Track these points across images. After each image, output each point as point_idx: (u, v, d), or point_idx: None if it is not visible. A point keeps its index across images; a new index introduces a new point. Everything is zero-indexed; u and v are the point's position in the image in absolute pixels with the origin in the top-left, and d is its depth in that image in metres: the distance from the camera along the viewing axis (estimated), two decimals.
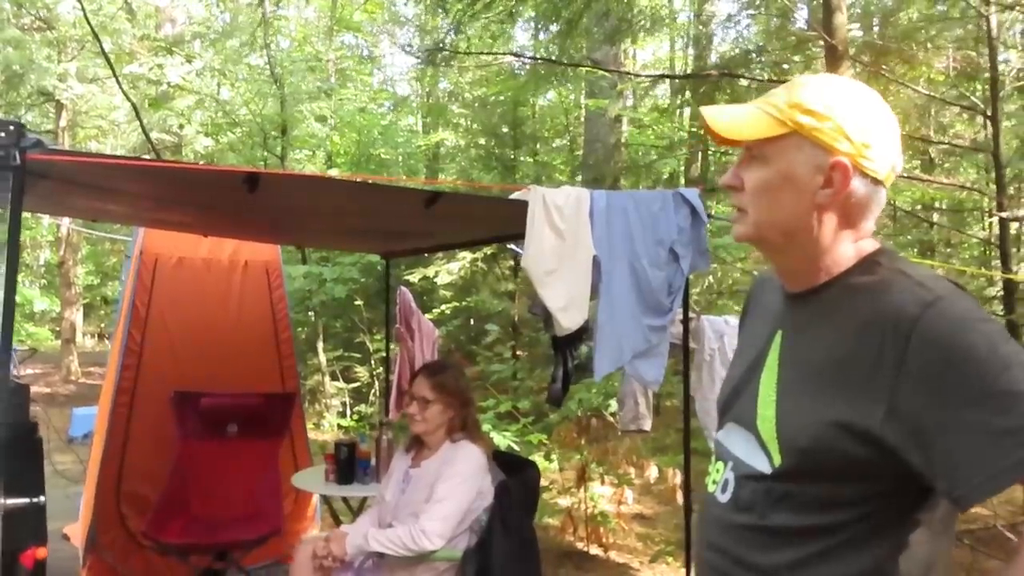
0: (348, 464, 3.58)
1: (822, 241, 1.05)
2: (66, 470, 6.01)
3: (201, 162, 9.97)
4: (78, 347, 14.30)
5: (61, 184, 2.21)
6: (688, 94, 10.24)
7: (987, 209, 6.96)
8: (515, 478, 2.79)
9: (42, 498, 2.00)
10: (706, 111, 1.08)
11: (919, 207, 6.51)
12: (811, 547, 1.00)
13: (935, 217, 7.51)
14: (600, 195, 2.65)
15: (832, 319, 1.04)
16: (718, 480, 1.15)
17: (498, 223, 3.29)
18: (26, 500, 1.86)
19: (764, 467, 1.05)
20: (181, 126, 9.04)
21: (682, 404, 6.65)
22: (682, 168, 10.85)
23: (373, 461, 3.66)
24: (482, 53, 7.97)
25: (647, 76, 8.20)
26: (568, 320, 2.55)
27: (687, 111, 10.38)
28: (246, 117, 10.22)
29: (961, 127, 8.19)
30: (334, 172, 10.11)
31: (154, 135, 9.44)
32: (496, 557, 2.60)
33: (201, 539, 3.75)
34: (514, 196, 2.60)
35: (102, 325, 22.47)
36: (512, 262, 9.60)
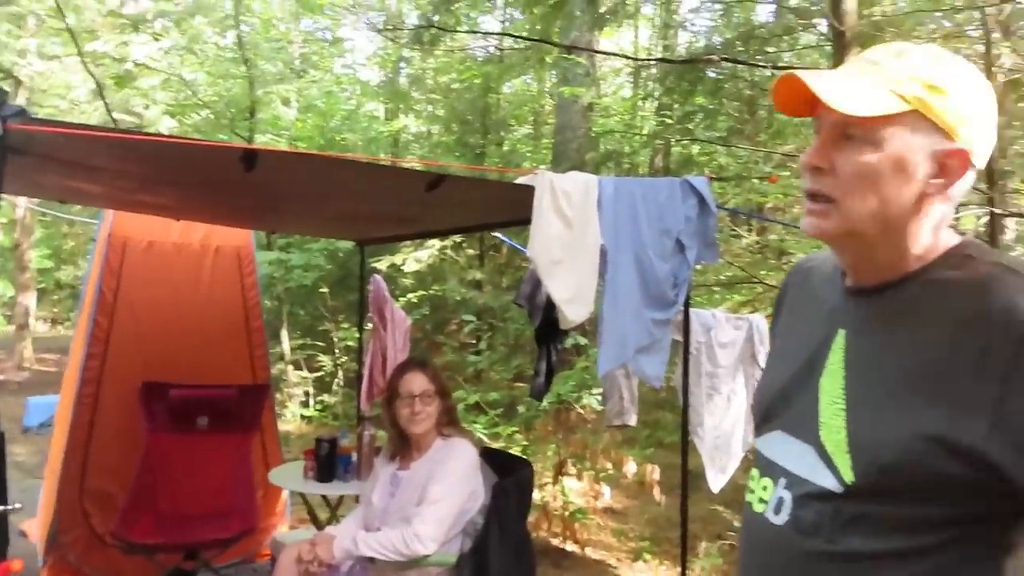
0: (328, 461, 3.44)
1: (919, 235, 0.94)
2: (22, 462, 5.75)
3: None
4: (31, 332, 13.75)
5: (38, 160, 2.03)
6: (651, 84, 10.28)
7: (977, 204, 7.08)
8: (511, 479, 2.70)
9: (17, 504, 1.83)
10: (805, 76, 0.92)
11: None
12: (891, 574, 0.90)
13: None
14: (608, 182, 2.56)
15: (918, 318, 0.93)
16: (767, 499, 1.02)
17: (491, 209, 3.18)
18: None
19: (832, 484, 0.93)
20: (147, 106, 8.68)
21: (650, 396, 6.66)
22: (646, 159, 10.88)
23: (354, 457, 3.52)
24: (472, 32, 7.78)
25: (642, 61, 8.08)
26: (574, 313, 2.45)
27: (654, 102, 10.40)
28: (211, 98, 9.88)
29: None
30: None
31: (116, 116, 9.05)
32: (492, 562, 2.50)
33: (171, 538, 3.58)
34: (520, 180, 2.48)
35: (55, 310, 21.67)
36: (478, 251, 9.50)
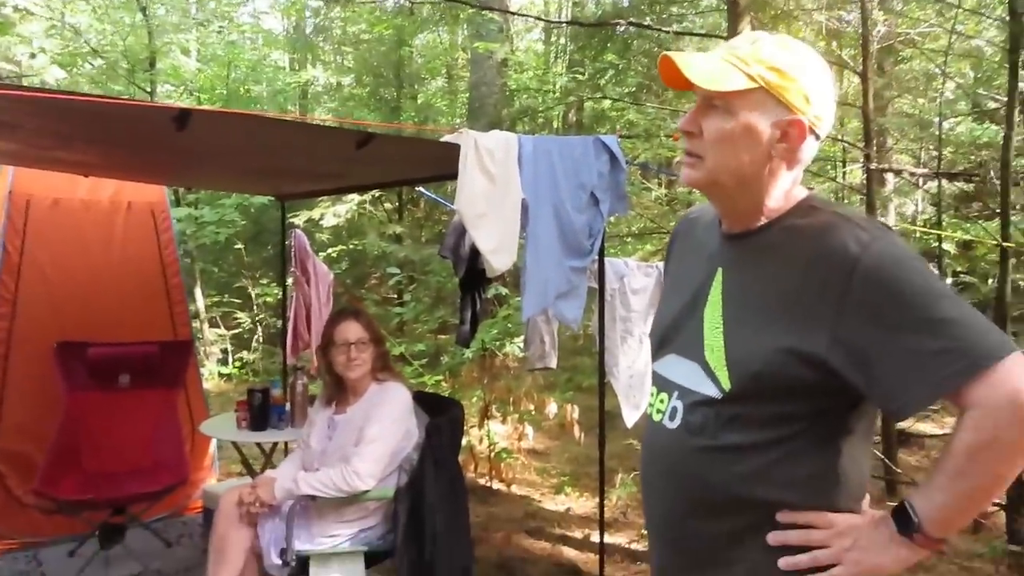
0: (262, 410, 3.52)
1: (769, 188, 1.16)
2: None
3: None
4: None
5: None
6: (563, 40, 10.38)
7: (842, 159, 7.58)
8: (443, 417, 2.86)
9: None
10: (676, 57, 1.13)
11: None
12: (759, 460, 1.11)
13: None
14: (527, 140, 2.69)
15: (775, 257, 1.15)
16: (663, 409, 1.23)
17: (415, 165, 3.27)
18: None
19: (714, 392, 1.14)
20: (33, 55, 8.13)
21: (569, 343, 6.93)
22: (560, 115, 11.02)
23: (288, 407, 3.60)
24: None
25: (553, 23, 8.15)
26: (499, 262, 2.60)
27: (564, 59, 10.50)
28: (104, 47, 9.34)
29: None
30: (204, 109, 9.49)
31: None
32: (428, 494, 2.67)
33: (97, 494, 3.57)
34: (446, 139, 2.59)
35: None
36: (396, 204, 9.48)
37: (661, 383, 1.26)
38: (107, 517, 3.58)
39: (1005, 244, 3.81)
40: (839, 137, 6.08)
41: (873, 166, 4.67)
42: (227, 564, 2.68)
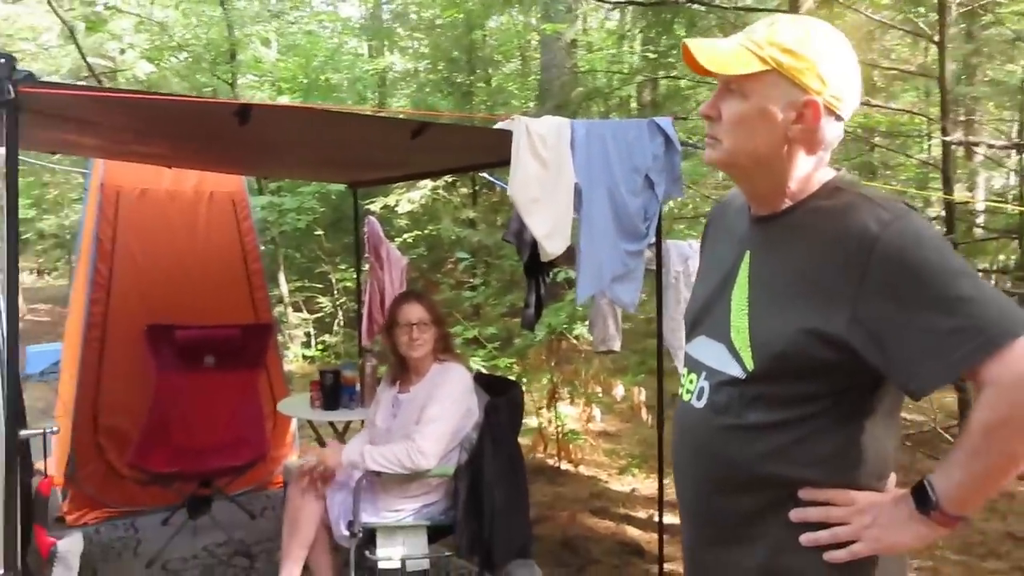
0: (333, 391, 3.68)
1: (789, 170, 1.17)
2: (28, 408, 5.94)
3: (193, 93, 9.56)
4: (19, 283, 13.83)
5: (40, 118, 2.17)
6: (630, 19, 10.20)
7: (927, 132, 7.22)
8: (502, 397, 2.93)
9: (54, 428, 2.05)
10: (691, 43, 1.15)
11: (860, 130, 6.71)
12: (782, 438, 1.13)
13: (877, 140, 7.74)
14: (580, 124, 2.71)
15: (799, 238, 1.16)
16: (692, 389, 1.26)
17: (475, 152, 3.33)
18: (39, 430, 1.91)
19: (738, 372, 1.17)
20: (122, 51, 8.60)
21: (642, 326, 6.91)
22: (634, 94, 10.86)
23: (358, 387, 3.76)
24: None
25: (616, 1, 8.07)
26: (552, 246, 2.64)
27: (638, 36, 10.32)
28: (189, 41, 9.76)
29: (904, 51, 8.36)
30: (284, 99, 9.83)
31: (91, 60, 8.97)
32: (487, 472, 2.76)
33: (186, 467, 3.82)
34: (498, 126, 2.64)
35: (40, 260, 21.60)
36: (470, 189, 9.60)
37: (691, 364, 1.29)
38: (195, 489, 3.82)
39: None
40: (906, 109, 5.79)
41: (949, 139, 4.44)
42: (300, 534, 2.84)
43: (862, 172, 7.53)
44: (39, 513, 2.15)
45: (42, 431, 1.95)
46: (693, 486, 1.27)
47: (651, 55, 8.92)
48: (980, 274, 1.07)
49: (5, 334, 1.97)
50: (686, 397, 1.28)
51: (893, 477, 1.20)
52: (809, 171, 1.18)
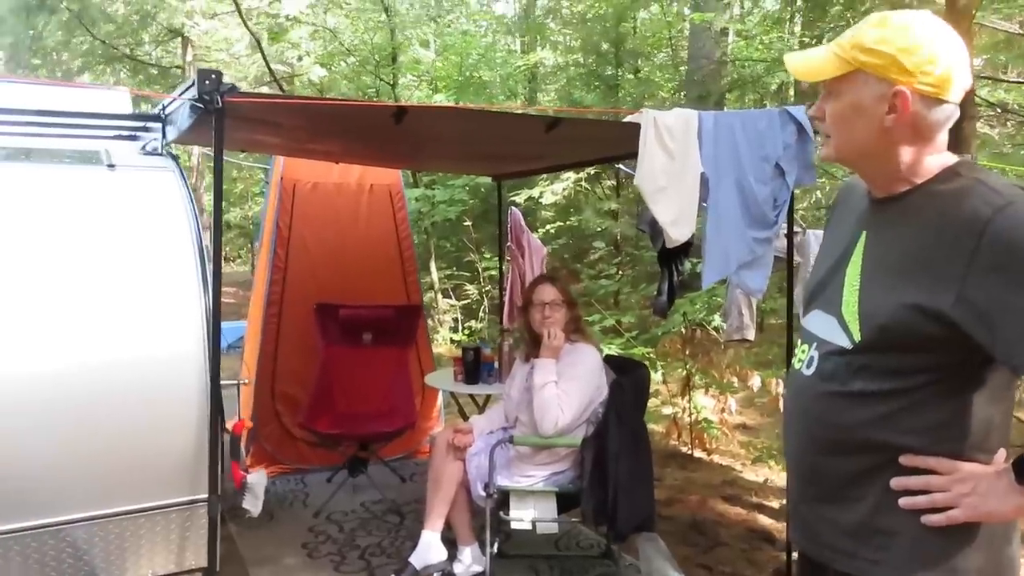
0: (474, 366, 3.99)
1: (895, 156, 1.24)
2: None
3: (333, 94, 10.45)
4: None
5: (235, 122, 2.58)
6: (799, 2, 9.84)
7: None
8: (628, 376, 3.10)
9: (246, 380, 2.46)
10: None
11: None
12: (885, 407, 1.21)
13: None
14: (708, 116, 2.81)
15: (914, 220, 1.23)
16: (803, 359, 1.36)
17: (608, 144, 3.50)
18: (235, 382, 2.30)
19: (845, 343, 1.26)
20: (300, 58, 9.48)
21: (784, 321, 6.75)
22: (792, 79, 10.45)
23: (496, 364, 4.05)
24: None
25: None
26: (677, 233, 2.77)
27: (799, 19, 9.96)
28: (356, 46, 10.50)
29: None
30: (440, 97, 10.38)
31: (273, 67, 9.96)
32: (610, 445, 2.93)
33: (347, 430, 4.28)
34: (627, 119, 2.80)
35: (227, 248, 23.86)
36: (614, 181, 9.70)
37: (805, 336, 1.39)
38: (355, 451, 4.28)
39: None
40: None
41: None
42: (442, 493, 3.15)
43: None
44: (234, 450, 2.58)
45: (236, 383, 2.35)
46: (799, 447, 1.37)
47: (807, 39, 8.61)
48: None
49: (211, 308, 2.38)
50: (797, 365, 1.39)
51: (1002, 452, 1.22)
52: (917, 156, 1.25)
